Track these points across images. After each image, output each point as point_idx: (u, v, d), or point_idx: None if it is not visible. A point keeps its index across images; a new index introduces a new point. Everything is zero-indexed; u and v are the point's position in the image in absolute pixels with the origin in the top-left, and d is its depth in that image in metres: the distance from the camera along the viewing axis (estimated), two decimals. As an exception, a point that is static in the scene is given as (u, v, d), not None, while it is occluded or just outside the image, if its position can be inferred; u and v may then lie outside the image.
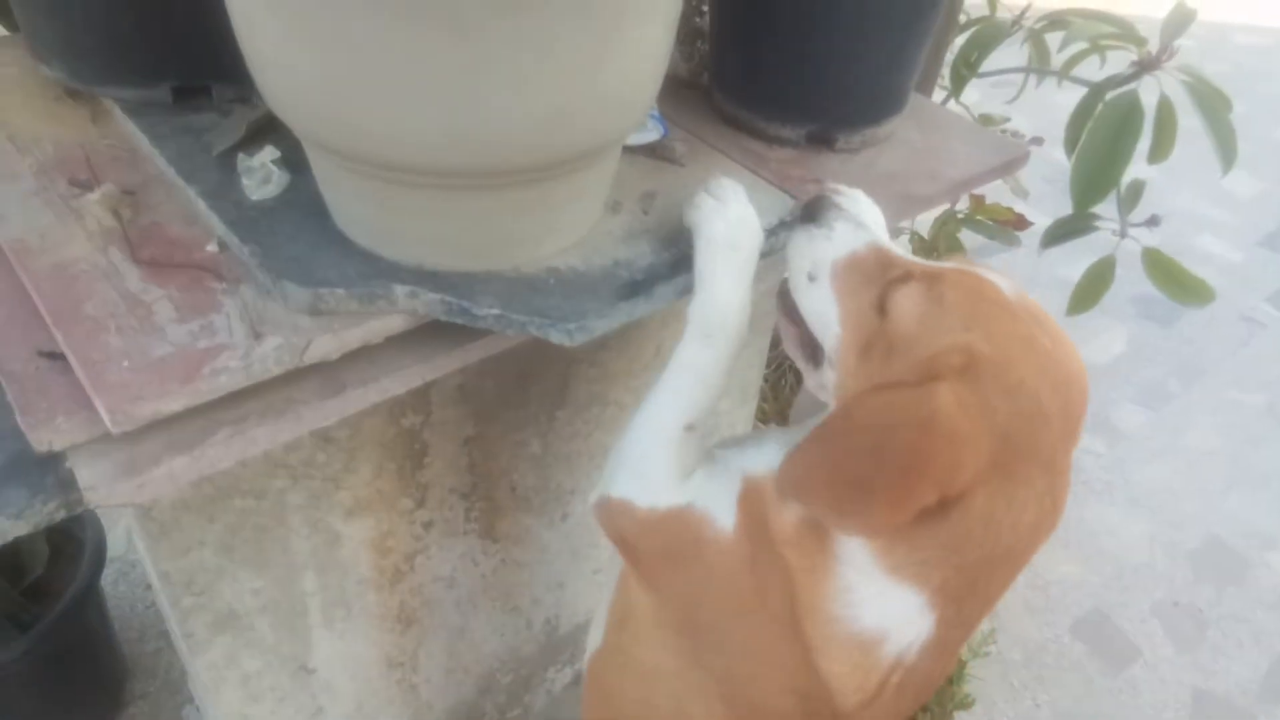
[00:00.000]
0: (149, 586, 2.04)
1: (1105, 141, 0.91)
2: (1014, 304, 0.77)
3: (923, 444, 0.70)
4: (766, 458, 0.85)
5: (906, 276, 0.79)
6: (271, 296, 0.80)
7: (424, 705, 1.32)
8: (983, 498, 0.73)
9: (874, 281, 0.80)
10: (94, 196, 0.86)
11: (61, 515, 0.74)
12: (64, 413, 0.72)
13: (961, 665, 1.63)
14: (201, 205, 0.86)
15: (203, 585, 0.97)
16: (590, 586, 1.42)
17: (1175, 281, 0.97)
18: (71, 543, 1.73)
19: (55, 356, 0.76)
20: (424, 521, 1.12)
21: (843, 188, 0.90)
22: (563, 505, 1.27)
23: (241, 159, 0.90)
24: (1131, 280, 3.27)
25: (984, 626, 1.85)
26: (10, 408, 0.76)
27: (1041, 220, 1.40)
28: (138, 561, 2.09)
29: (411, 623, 1.20)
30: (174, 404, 0.72)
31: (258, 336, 0.76)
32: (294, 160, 0.90)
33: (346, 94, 0.67)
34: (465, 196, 0.75)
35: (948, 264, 0.81)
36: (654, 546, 0.90)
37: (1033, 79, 1.11)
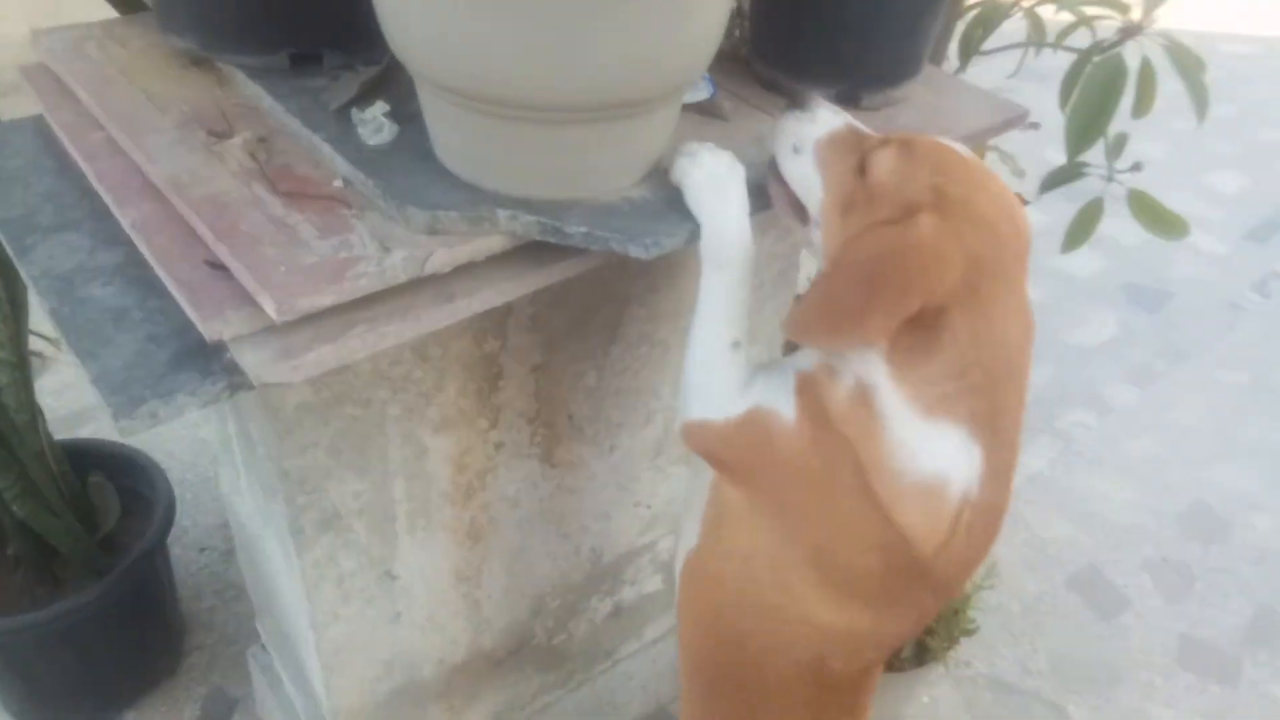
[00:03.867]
0: (202, 550, 2.18)
1: (1094, 96, 1.06)
2: (970, 159, 0.95)
3: (908, 261, 0.88)
4: (811, 357, 1.00)
5: (885, 142, 0.96)
6: (394, 221, 0.94)
7: (484, 621, 1.45)
8: (960, 315, 0.89)
9: (853, 150, 0.97)
10: (235, 141, 1.01)
11: (226, 396, 0.88)
12: (231, 308, 0.87)
13: (966, 597, 1.77)
14: (326, 149, 1.01)
15: (314, 484, 1.11)
16: (632, 520, 1.56)
17: (1156, 218, 1.12)
18: (140, 502, 1.87)
19: (217, 267, 0.90)
20: (496, 442, 1.27)
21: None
22: (611, 438, 1.42)
23: (355, 113, 1.05)
24: (1120, 270, 3.44)
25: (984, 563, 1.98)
26: (170, 314, 0.92)
27: (1034, 200, 1.55)
28: (190, 527, 2.23)
29: (479, 538, 1.34)
30: (325, 300, 0.86)
31: (386, 250, 0.91)
32: (400, 114, 1.04)
33: (469, 37, 0.82)
34: (563, 130, 0.90)
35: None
36: (735, 451, 1.05)
37: (1031, 52, 1.27)
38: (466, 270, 0.95)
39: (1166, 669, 2.10)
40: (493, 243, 0.95)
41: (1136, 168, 1.15)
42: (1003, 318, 0.92)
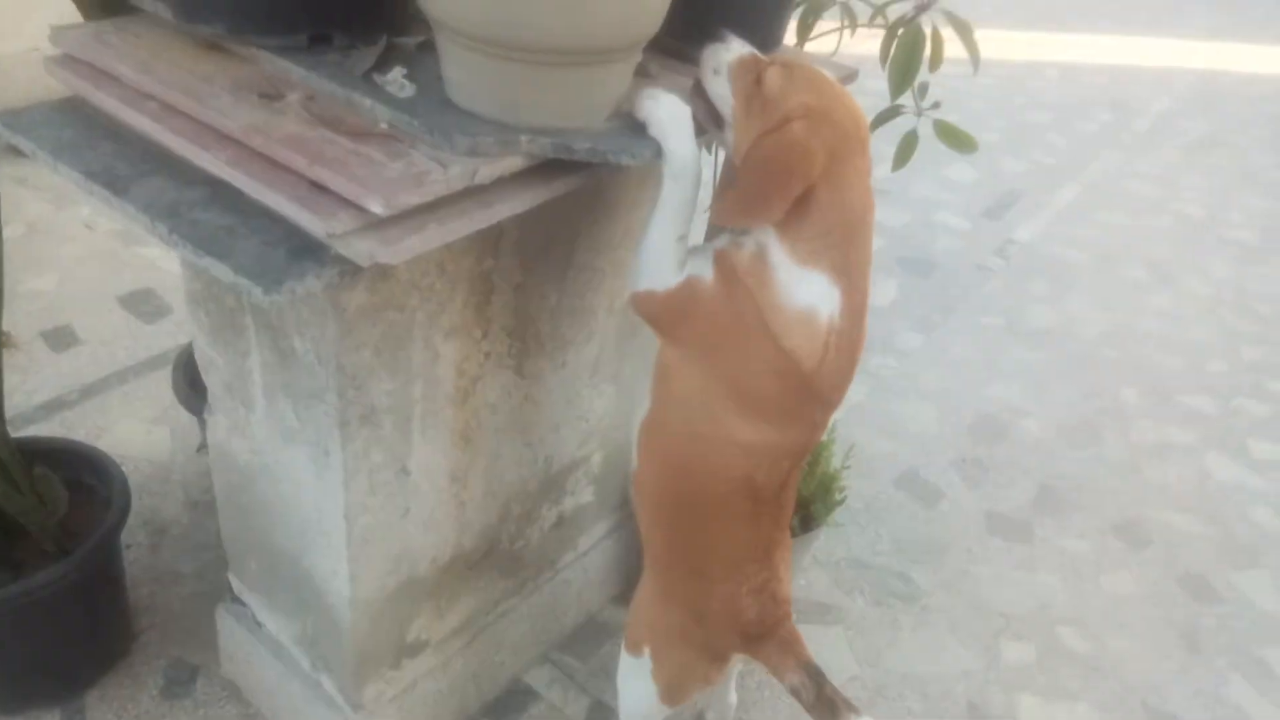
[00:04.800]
0: (128, 546, 2.26)
1: (904, 54, 1.50)
2: (829, 79, 1.34)
3: (788, 157, 1.27)
4: (724, 240, 1.38)
5: (772, 63, 1.34)
6: (440, 149, 1.23)
7: (466, 523, 1.71)
8: (824, 192, 1.28)
9: (753, 69, 1.35)
10: (291, 98, 1.26)
11: (336, 280, 1.14)
12: (340, 210, 1.12)
13: (835, 475, 2.19)
14: (366, 102, 1.28)
15: (360, 381, 1.36)
16: (574, 432, 1.86)
17: (953, 138, 1.57)
18: (86, 493, 1.97)
19: (319, 187, 1.16)
20: (485, 351, 1.54)
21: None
22: (563, 353, 1.72)
23: (377, 76, 1.32)
24: (894, 247, 4.06)
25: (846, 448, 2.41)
26: (271, 229, 1.16)
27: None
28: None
29: (469, 441, 1.61)
30: (414, 199, 1.14)
31: (444, 167, 1.20)
32: (413, 76, 1.33)
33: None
34: (569, 72, 1.22)
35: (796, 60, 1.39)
36: (672, 313, 1.40)
37: (846, 34, 1.71)
38: (498, 185, 1.25)
39: (979, 538, 2.62)
40: (516, 162, 1.25)
41: (936, 105, 1.60)
42: (850, 192, 1.31)
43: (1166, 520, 2.76)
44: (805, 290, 1.32)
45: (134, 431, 2.60)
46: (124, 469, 2.01)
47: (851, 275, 1.34)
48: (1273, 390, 3.39)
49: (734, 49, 1.37)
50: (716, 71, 1.36)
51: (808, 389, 1.36)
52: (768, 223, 1.31)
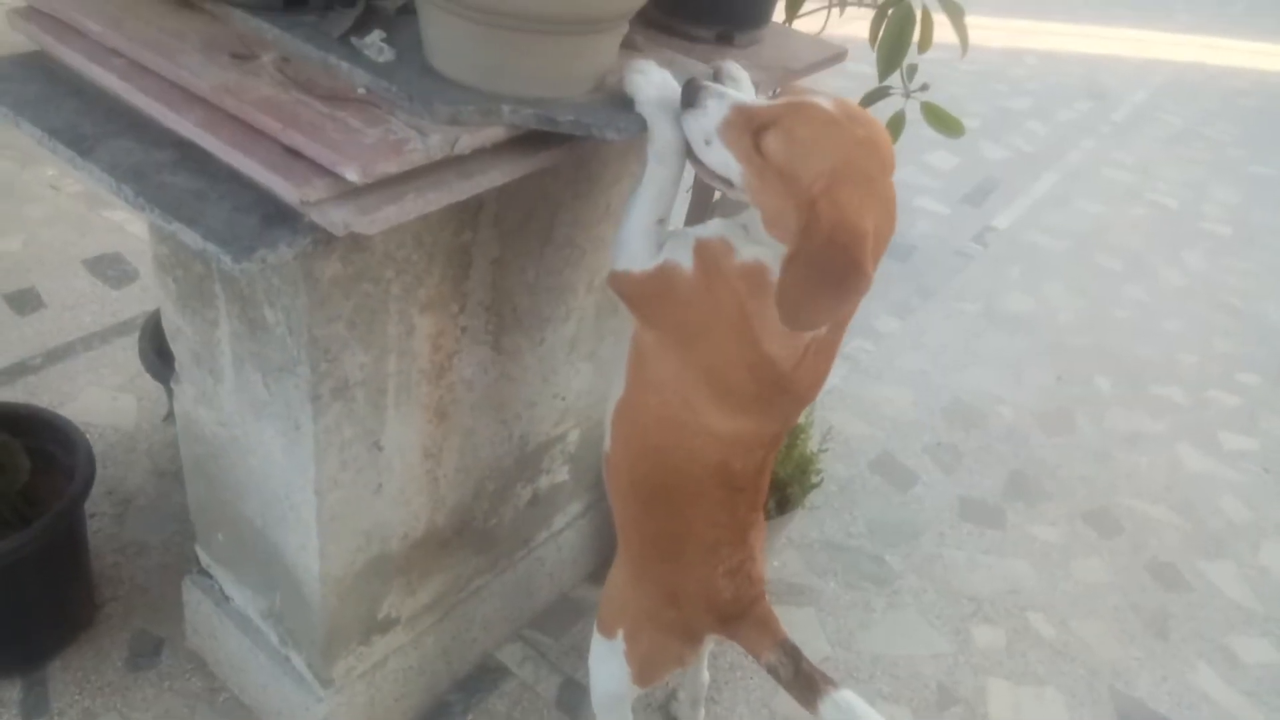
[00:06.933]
0: (91, 515, 2.21)
1: (894, 34, 1.47)
2: (837, 115, 1.18)
3: (838, 272, 1.15)
4: (708, 230, 1.34)
5: (763, 127, 1.20)
6: (420, 116, 1.19)
7: (440, 498, 1.68)
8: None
9: (746, 128, 1.21)
10: (265, 60, 1.22)
11: (309, 249, 1.10)
12: (315, 178, 1.09)
13: (813, 456, 2.18)
14: (344, 66, 1.24)
15: (334, 354, 1.32)
16: (551, 409, 1.84)
17: (941, 121, 1.56)
18: (49, 461, 1.93)
19: (293, 152, 1.12)
20: (462, 326, 1.51)
21: (723, 64, 1.39)
22: (541, 330, 1.69)
23: (355, 40, 1.28)
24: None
25: (824, 425, 2.41)
26: (242, 194, 1.12)
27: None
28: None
29: (444, 417, 1.58)
30: (392, 167, 1.10)
31: (424, 135, 1.16)
32: (392, 40, 1.29)
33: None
34: (553, 41, 1.19)
35: (781, 102, 1.24)
36: (648, 295, 1.37)
37: (835, 13, 1.68)
38: (478, 155, 1.22)
39: (952, 522, 2.63)
40: (498, 132, 1.22)
41: (924, 88, 1.58)
42: (876, 224, 1.18)
43: (1137, 509, 2.78)
44: None
45: (99, 399, 2.54)
46: (89, 437, 1.96)
47: None
48: (1243, 382, 3.42)
49: (711, 110, 1.24)
50: (708, 142, 1.26)
51: (782, 387, 1.34)
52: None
